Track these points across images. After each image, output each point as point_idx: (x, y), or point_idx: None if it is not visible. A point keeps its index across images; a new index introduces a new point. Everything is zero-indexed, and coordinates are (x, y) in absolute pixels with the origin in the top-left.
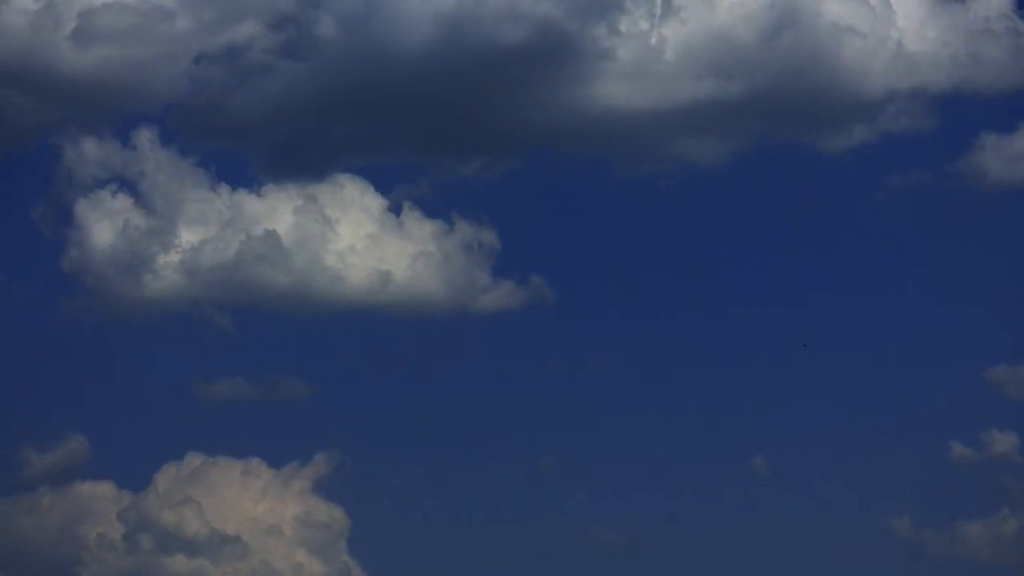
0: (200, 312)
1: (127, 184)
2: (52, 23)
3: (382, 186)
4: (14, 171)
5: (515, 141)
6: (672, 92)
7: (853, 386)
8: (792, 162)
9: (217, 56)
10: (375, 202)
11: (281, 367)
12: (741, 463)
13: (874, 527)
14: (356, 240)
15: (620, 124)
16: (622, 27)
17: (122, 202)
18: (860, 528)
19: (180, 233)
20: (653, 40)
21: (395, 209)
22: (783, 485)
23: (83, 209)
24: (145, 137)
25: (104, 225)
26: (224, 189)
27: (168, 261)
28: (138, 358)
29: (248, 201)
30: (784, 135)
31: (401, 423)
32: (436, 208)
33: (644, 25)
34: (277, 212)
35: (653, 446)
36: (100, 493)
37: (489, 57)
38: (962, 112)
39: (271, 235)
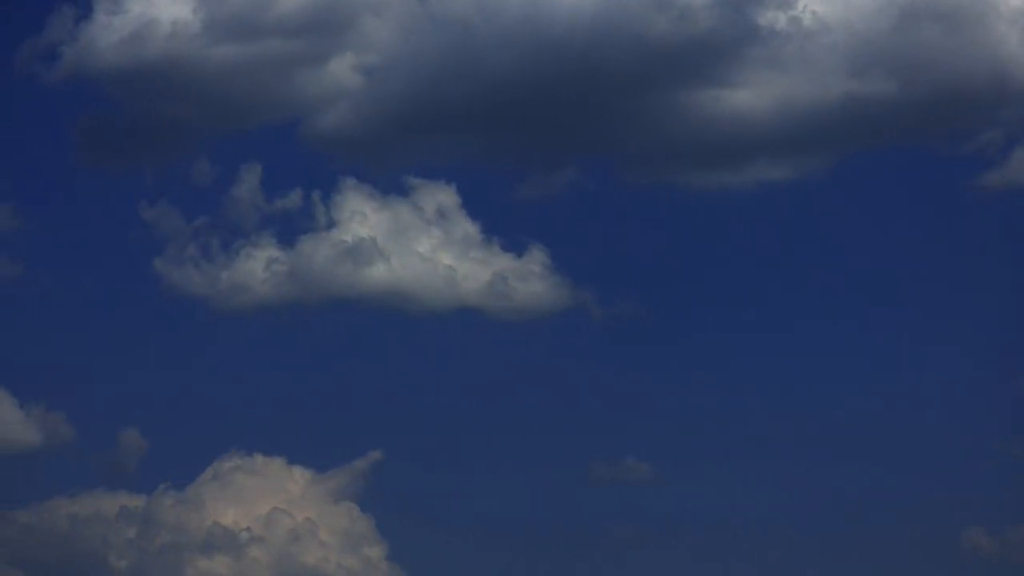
0: (294, 315)
1: (217, 188)
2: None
3: (474, 194)
4: (111, 174)
5: (630, 145)
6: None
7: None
8: (899, 169)
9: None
10: (460, 210)
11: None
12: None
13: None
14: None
15: (746, 129)
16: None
17: (214, 207)
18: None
19: (273, 236)
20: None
21: (483, 220)
22: (842, 491)
23: (176, 214)
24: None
25: (198, 230)
26: (317, 196)
27: (260, 264)
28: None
29: (340, 206)
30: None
31: (450, 427)
32: (530, 219)
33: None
34: (370, 217)
35: (701, 449)
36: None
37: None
38: None
39: (364, 241)
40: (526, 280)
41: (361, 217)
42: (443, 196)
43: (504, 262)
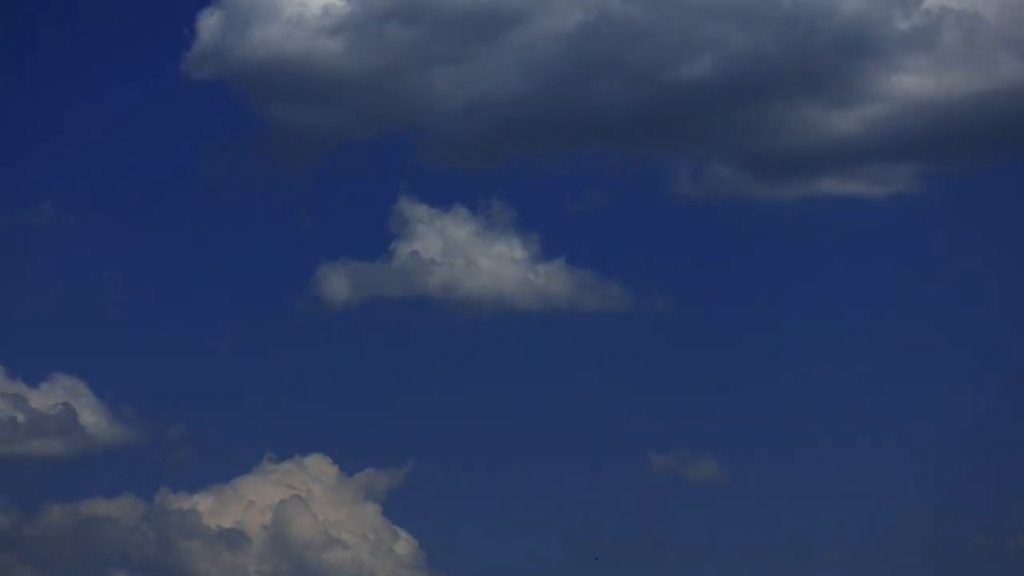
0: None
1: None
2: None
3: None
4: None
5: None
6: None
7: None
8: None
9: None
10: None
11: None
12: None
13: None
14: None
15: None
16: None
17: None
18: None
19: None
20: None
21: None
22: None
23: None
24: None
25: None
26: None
27: (339, 272)
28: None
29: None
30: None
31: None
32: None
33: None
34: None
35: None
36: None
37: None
38: None
39: (429, 251)
40: (593, 286)
41: (431, 228)
42: (520, 207)
43: (568, 269)
